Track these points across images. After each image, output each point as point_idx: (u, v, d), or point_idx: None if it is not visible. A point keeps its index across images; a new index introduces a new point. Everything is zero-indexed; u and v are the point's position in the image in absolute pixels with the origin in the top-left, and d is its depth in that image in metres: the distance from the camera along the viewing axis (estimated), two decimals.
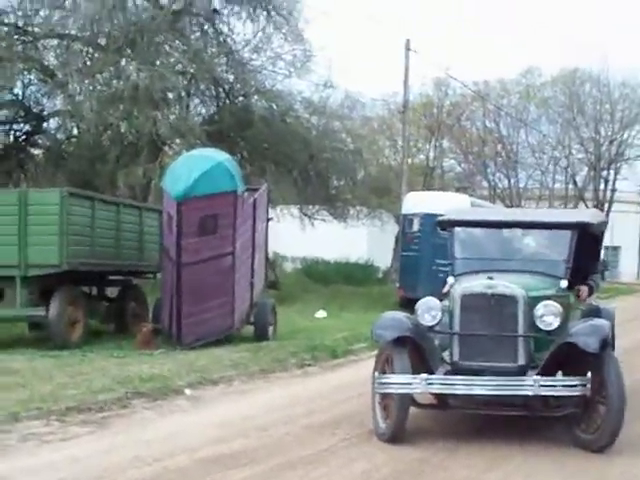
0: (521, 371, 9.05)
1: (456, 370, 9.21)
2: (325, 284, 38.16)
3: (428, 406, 9.59)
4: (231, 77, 29.37)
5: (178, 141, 27.74)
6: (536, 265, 10.59)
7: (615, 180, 57.14)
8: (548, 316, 9.13)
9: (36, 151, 31.21)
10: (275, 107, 29.46)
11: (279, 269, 41.72)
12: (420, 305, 9.47)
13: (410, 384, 8.88)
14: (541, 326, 9.14)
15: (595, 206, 54.68)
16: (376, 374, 9.27)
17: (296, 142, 29.81)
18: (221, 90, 29.61)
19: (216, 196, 16.08)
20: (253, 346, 16.46)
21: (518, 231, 11.29)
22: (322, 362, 16.01)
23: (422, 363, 9.19)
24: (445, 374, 9.18)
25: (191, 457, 8.41)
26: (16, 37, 27.00)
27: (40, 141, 31.15)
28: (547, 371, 8.89)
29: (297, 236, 37.47)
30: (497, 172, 56.91)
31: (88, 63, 27.34)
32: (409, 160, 50.28)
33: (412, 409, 9.54)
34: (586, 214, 12.68)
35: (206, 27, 29.39)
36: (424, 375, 8.85)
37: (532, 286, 9.66)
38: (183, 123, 26.89)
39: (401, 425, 9.06)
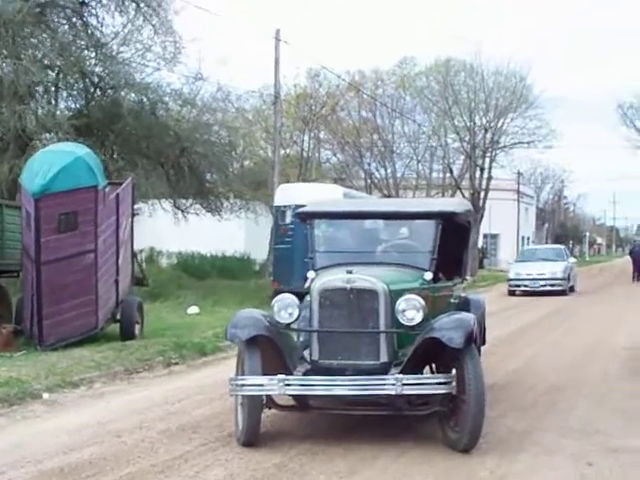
0: (384, 369, 8.72)
1: (316, 369, 8.88)
2: (201, 279, 37.78)
3: (288, 408, 9.24)
4: (100, 70, 28.63)
5: (46, 136, 26.91)
6: (400, 257, 10.30)
7: (491, 168, 57.77)
8: (410, 310, 8.73)
9: None
10: (145, 100, 28.81)
11: (155, 265, 41.24)
12: (276, 302, 9.04)
13: (263, 385, 8.52)
14: (403, 321, 8.74)
15: (472, 194, 55.39)
16: (231, 375, 8.90)
17: (167, 135, 29.25)
18: (90, 83, 28.83)
19: (75, 192, 15.46)
20: (118, 345, 15.95)
21: (381, 222, 11.02)
22: (190, 360, 15.72)
23: (280, 363, 8.81)
24: (305, 374, 8.82)
25: (36, 468, 7.98)
26: None
27: None
28: (411, 368, 8.57)
29: (174, 231, 37.02)
30: (373, 162, 57.03)
31: None
32: (286, 151, 50.25)
33: (273, 411, 9.31)
34: (451, 203, 12.40)
35: (74, 20, 28.60)
36: (280, 376, 8.47)
37: (394, 279, 9.33)
38: (50, 118, 26.17)
39: (254, 428, 8.72)
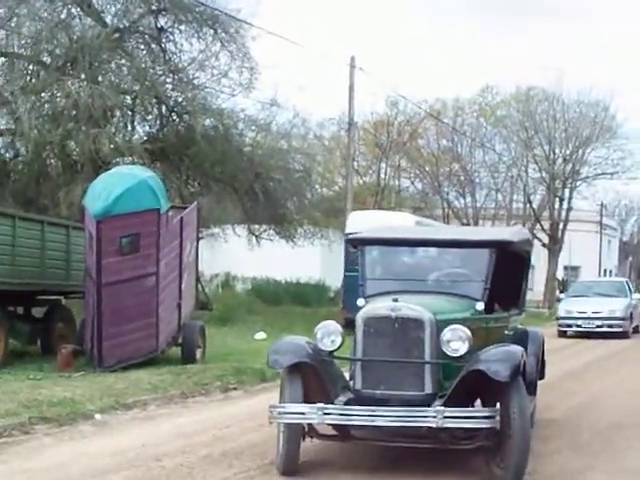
0: (428, 400, 8.45)
1: (358, 399, 8.66)
2: (274, 305, 37.81)
3: (329, 437, 9.03)
4: (176, 95, 28.96)
5: (120, 160, 27.22)
6: (452, 286, 10.08)
7: (570, 199, 57.04)
8: (455, 341, 8.46)
9: None
10: (219, 125, 29.02)
11: (230, 289, 41.39)
12: (319, 329, 8.91)
13: (304, 414, 8.36)
14: (447, 352, 8.47)
15: (551, 225, 54.74)
16: (271, 402, 8.75)
17: (240, 160, 29.46)
18: (165, 108, 29.21)
19: (138, 214, 15.59)
20: (177, 369, 15.97)
21: (433, 250, 10.79)
22: (248, 386, 15.59)
23: (322, 391, 8.67)
24: (346, 403, 8.64)
25: None
26: None
27: None
28: (455, 400, 8.29)
29: (250, 256, 37.15)
30: (452, 191, 56.72)
31: (33, 81, 26.93)
32: (363, 179, 50.22)
33: (318, 441, 9.14)
34: (506, 232, 12.23)
35: (152, 45, 29.03)
36: (320, 405, 8.30)
37: (442, 308, 9.10)
38: (125, 142, 26.51)
39: (293, 457, 8.57)
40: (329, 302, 41.65)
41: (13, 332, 17.06)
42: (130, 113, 29.09)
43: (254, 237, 34.96)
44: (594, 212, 72.52)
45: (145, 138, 29.39)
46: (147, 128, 30.37)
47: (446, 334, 8.51)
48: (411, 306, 8.73)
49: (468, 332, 8.50)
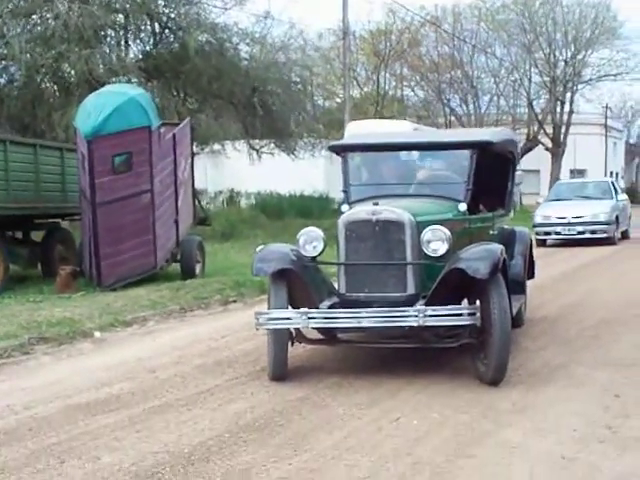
0: (411, 301, 8.57)
1: (343, 303, 8.81)
2: (279, 218, 37.92)
3: (316, 341, 9.20)
4: (168, 11, 28.75)
5: (115, 80, 27.11)
6: (434, 188, 10.11)
7: (572, 102, 56.71)
8: (435, 242, 8.55)
9: None
10: (213, 40, 28.85)
11: (235, 205, 41.53)
12: (301, 235, 9.01)
13: (289, 319, 8.51)
14: (428, 252, 8.58)
15: (553, 129, 54.53)
16: (257, 309, 8.91)
17: (237, 75, 29.35)
18: (157, 25, 29.01)
19: (129, 132, 15.58)
20: (176, 284, 16.09)
21: (415, 154, 10.82)
22: (247, 298, 15.70)
23: (306, 297, 8.80)
24: (331, 307, 8.80)
25: (64, 404, 8.10)
26: None
27: None
28: (437, 300, 8.38)
29: (253, 172, 37.21)
30: (454, 98, 56.44)
31: (21, 3, 26.70)
32: (363, 89, 49.93)
33: (310, 346, 9.35)
34: (488, 133, 12.03)
35: None
36: (304, 309, 8.43)
37: (422, 210, 9.16)
38: (118, 61, 26.38)
39: (281, 362, 8.70)
40: (333, 214, 41.69)
41: (12, 256, 17.13)
42: (122, 32, 28.90)
43: (255, 152, 34.95)
44: (599, 115, 72.12)
45: (139, 57, 29.24)
46: (141, 46, 30.22)
47: (426, 235, 8.59)
48: (391, 209, 8.81)
49: (447, 232, 8.58)
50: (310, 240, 9.00)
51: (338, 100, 45.62)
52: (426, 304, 8.35)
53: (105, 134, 15.32)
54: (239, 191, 43.47)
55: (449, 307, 8.30)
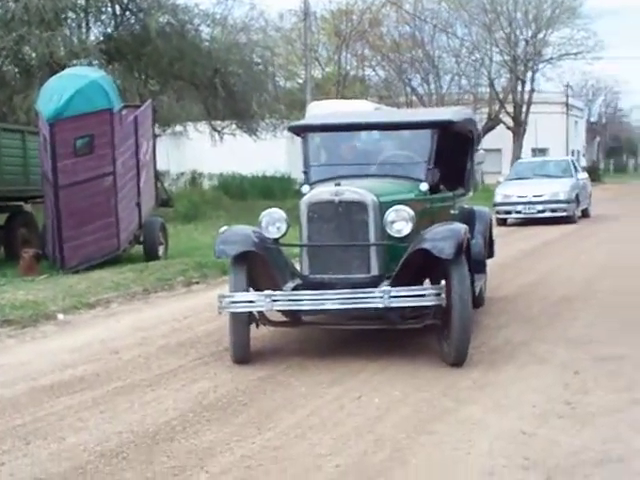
0: (375, 282, 8.54)
1: (307, 285, 8.76)
2: (242, 199, 37.92)
3: (280, 324, 9.18)
4: None
5: (76, 62, 27.00)
6: (395, 169, 10.08)
7: (533, 80, 57.04)
8: (399, 222, 8.52)
9: None
10: (175, 22, 28.79)
11: (197, 187, 41.45)
12: (264, 216, 8.98)
13: (253, 302, 8.45)
14: (392, 233, 8.55)
15: (514, 108, 54.79)
16: (220, 292, 8.87)
17: (198, 57, 29.36)
18: (118, 7, 28.93)
19: (90, 115, 15.58)
20: (140, 266, 16.10)
21: (376, 134, 10.80)
22: (211, 279, 15.75)
23: (269, 279, 8.80)
24: (295, 289, 8.74)
25: (28, 386, 8.14)
26: None
27: None
28: (401, 281, 8.34)
29: (216, 153, 37.16)
30: (415, 78, 56.49)
31: None
32: (325, 70, 49.93)
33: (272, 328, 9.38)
34: (448, 112, 12.03)
35: None
36: (268, 292, 8.38)
37: (385, 191, 9.13)
38: (79, 43, 26.29)
39: (243, 346, 8.70)
40: (295, 194, 41.70)
41: None
42: (83, 14, 28.80)
43: (217, 133, 34.93)
44: (560, 94, 72.51)
45: (100, 39, 29.14)
46: (102, 29, 30.12)
47: (389, 215, 8.58)
48: (353, 189, 8.76)
49: (411, 212, 8.58)
50: (273, 222, 8.96)
51: (300, 81, 45.60)
52: (390, 285, 8.34)
53: (67, 117, 15.31)
54: (201, 172, 43.36)
55: (414, 288, 8.30)
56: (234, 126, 34.67)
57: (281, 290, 8.62)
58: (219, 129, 34.86)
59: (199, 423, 6.74)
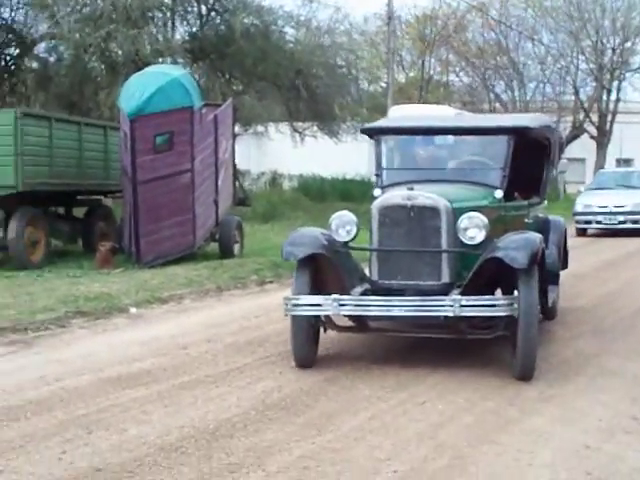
0: (446, 290, 8.31)
1: (375, 290, 8.57)
2: (321, 201, 37.93)
3: (346, 329, 9.05)
4: None
5: (161, 60, 27.32)
6: (469, 174, 9.89)
7: (619, 90, 56.08)
8: (472, 229, 8.30)
9: (27, 75, 31.01)
10: (259, 23, 28.98)
11: (277, 188, 41.63)
12: (334, 219, 8.78)
13: (320, 305, 8.26)
14: (464, 240, 8.33)
15: (599, 118, 54.00)
16: (286, 295, 8.66)
17: (282, 58, 29.49)
18: (204, 7, 29.24)
19: (171, 112, 15.79)
20: (214, 264, 16.28)
21: (451, 139, 10.57)
22: (284, 279, 15.72)
23: (337, 282, 8.60)
24: (363, 294, 8.54)
25: (95, 377, 8.24)
26: None
27: (30, 65, 31.10)
28: (473, 290, 8.11)
29: (297, 154, 37.28)
30: (499, 84, 55.97)
31: None
32: (408, 74, 49.79)
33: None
34: (525, 118, 11.72)
35: None
36: (335, 295, 8.18)
37: (458, 197, 8.87)
38: (165, 41, 26.61)
39: (302, 349, 8.54)
40: (374, 197, 41.60)
41: (54, 232, 17.51)
42: (170, 13, 29.16)
43: (298, 134, 35.04)
44: None
45: (185, 38, 29.47)
46: (187, 28, 30.45)
47: (463, 222, 8.37)
48: (427, 194, 8.54)
49: (485, 219, 8.36)
50: (343, 224, 8.79)
51: (383, 84, 45.48)
52: (461, 294, 8.12)
53: (147, 113, 15.53)
54: (282, 173, 43.50)
55: (485, 297, 8.09)
56: (315, 128, 34.73)
57: (349, 294, 8.43)
58: (300, 130, 34.97)
59: (260, 421, 6.74)
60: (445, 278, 8.49)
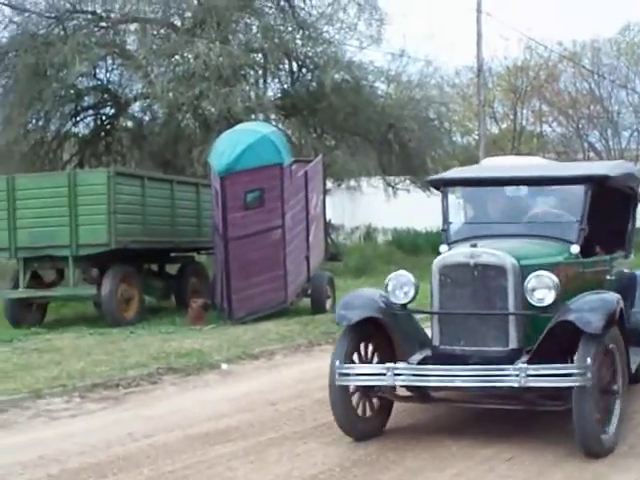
0: (513, 356, 7.57)
1: (436, 356, 7.84)
2: (415, 255, 37.77)
3: (406, 398, 8.29)
4: (305, 50, 29.29)
5: (252, 117, 27.70)
6: (543, 228, 8.94)
7: None
8: (540, 289, 7.53)
9: (122, 134, 31.78)
10: (350, 78, 29.22)
11: (371, 242, 41.66)
12: (390, 280, 8.09)
13: (374, 375, 7.74)
14: (532, 301, 7.56)
15: None
16: (336, 363, 7.79)
17: (373, 112, 29.65)
18: (295, 64, 29.65)
19: (261, 169, 16.01)
20: (306, 319, 16.38)
21: (523, 189, 9.65)
22: None
23: (394, 348, 7.96)
24: (422, 362, 7.83)
25: (183, 433, 8.32)
26: (94, 24, 28.02)
27: (124, 124, 31.88)
28: (542, 356, 7.36)
29: (391, 207, 37.29)
30: (593, 134, 55.37)
31: (164, 44, 27.63)
32: (501, 126, 49.58)
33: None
34: (605, 166, 10.77)
35: (280, 2, 29.40)
36: (390, 364, 7.61)
37: (527, 253, 8.14)
38: (256, 99, 26.98)
39: (344, 420, 7.90)
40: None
41: (148, 289, 17.83)
42: (261, 71, 29.59)
43: (390, 188, 35.11)
44: None
45: (277, 95, 29.86)
46: (278, 85, 30.83)
47: (530, 282, 7.59)
48: (491, 251, 7.85)
49: (555, 278, 7.58)
50: (400, 285, 8.10)
51: (475, 137, 45.44)
52: (530, 361, 7.40)
53: (237, 171, 15.76)
54: (376, 227, 43.55)
55: (555, 366, 7.32)
56: (408, 181, 34.73)
57: (406, 362, 7.82)
58: (393, 184, 35.02)
59: (345, 478, 6.72)
60: (513, 343, 7.73)
